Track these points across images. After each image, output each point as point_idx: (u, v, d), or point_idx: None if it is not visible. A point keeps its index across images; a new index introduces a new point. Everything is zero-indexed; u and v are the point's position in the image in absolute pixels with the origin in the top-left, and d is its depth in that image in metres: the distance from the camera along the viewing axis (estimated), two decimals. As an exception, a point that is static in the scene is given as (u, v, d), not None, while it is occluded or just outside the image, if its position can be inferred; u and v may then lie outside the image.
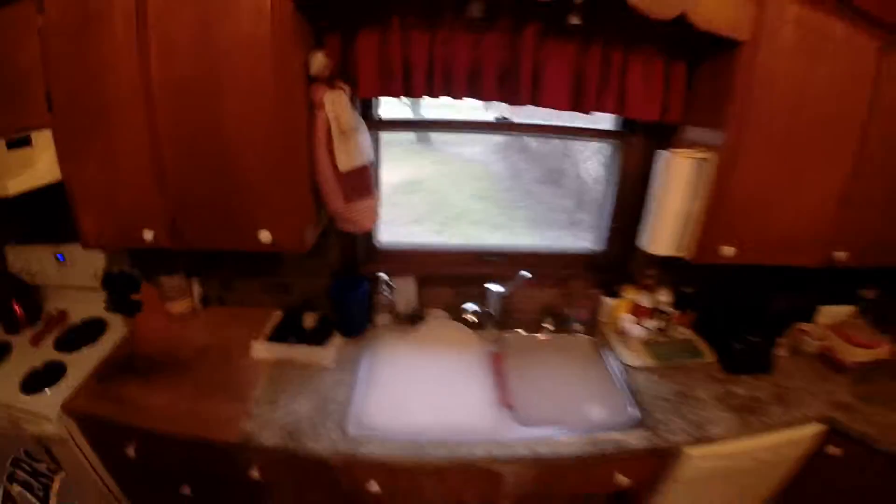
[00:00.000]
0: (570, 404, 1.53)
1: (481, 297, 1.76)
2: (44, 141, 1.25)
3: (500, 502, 1.40)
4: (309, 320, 1.75)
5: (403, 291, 1.77)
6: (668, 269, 1.79)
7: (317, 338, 1.65)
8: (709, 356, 1.69)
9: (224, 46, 1.14)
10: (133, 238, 1.35)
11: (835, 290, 1.82)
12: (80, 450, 1.41)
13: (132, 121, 1.21)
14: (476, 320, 1.72)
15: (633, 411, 1.45)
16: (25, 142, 1.25)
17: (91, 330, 1.64)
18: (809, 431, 1.46)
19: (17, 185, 1.22)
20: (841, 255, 1.48)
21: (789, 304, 1.72)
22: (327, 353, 1.57)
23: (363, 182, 1.42)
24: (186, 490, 1.43)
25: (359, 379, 1.50)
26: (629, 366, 1.64)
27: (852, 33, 1.24)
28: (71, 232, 1.56)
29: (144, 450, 1.37)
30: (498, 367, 1.58)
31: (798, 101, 1.28)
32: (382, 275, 1.72)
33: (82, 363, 1.50)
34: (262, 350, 1.57)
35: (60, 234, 1.65)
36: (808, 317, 1.81)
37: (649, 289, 1.81)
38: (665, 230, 1.45)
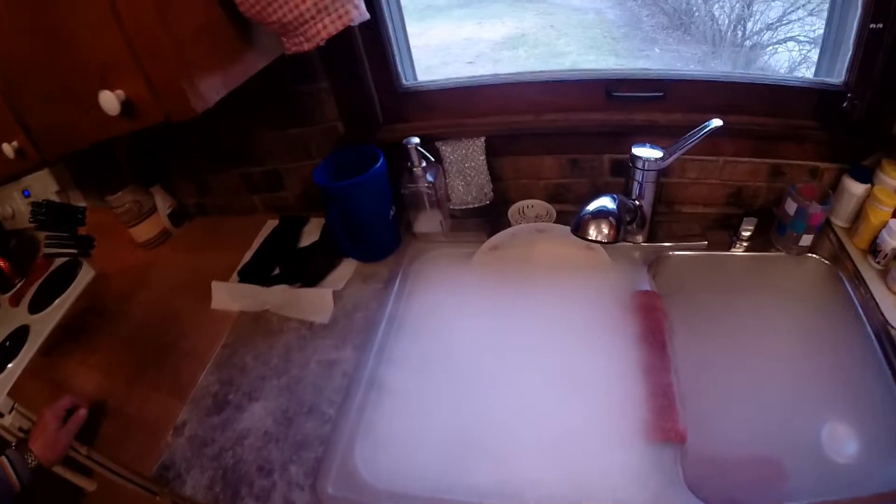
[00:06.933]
0: (795, 421, 0.66)
1: (619, 174, 0.83)
2: None
3: None
4: (310, 234, 1.05)
5: (462, 169, 0.91)
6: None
7: (314, 266, 0.95)
8: None
9: None
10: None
11: None
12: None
13: None
14: (609, 227, 0.78)
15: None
16: None
17: (63, 278, 1.24)
18: None
19: None
20: None
21: None
22: (319, 302, 0.86)
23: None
24: None
25: (366, 361, 0.77)
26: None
27: None
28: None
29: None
30: (654, 327, 0.66)
31: None
32: (414, 140, 0.87)
33: (43, 326, 1.11)
34: (224, 296, 0.95)
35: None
36: None
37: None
38: None
